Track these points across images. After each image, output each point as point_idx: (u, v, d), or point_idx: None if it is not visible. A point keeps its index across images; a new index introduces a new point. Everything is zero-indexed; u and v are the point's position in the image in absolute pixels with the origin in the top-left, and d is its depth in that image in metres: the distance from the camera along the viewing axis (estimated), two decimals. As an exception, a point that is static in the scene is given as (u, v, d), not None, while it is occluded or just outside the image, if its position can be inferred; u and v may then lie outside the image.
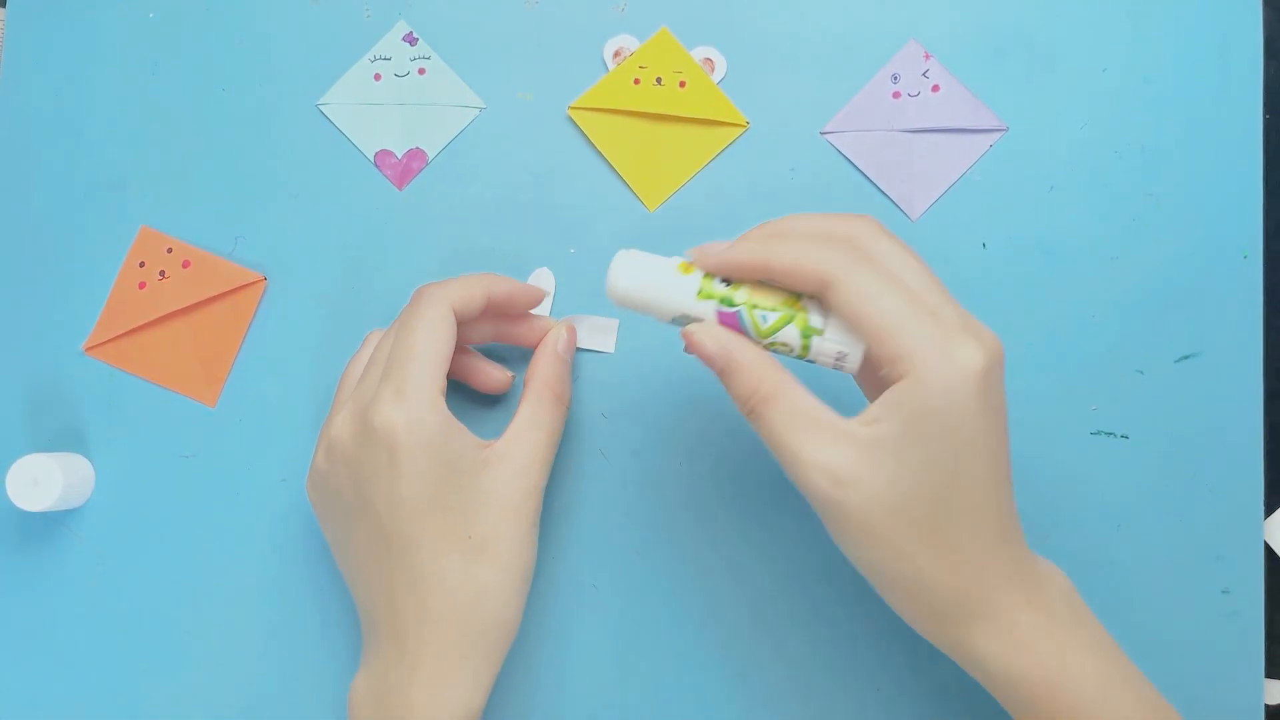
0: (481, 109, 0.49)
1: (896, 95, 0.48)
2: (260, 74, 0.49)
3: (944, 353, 0.33)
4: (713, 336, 0.36)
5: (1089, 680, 0.36)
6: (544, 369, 0.43)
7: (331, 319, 0.48)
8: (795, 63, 0.49)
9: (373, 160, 0.49)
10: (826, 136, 0.48)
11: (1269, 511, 0.47)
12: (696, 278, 0.37)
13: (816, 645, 0.46)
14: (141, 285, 0.47)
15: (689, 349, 0.37)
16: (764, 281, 0.37)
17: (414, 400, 0.38)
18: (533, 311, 0.46)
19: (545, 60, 0.49)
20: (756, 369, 0.36)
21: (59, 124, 0.50)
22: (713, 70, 0.49)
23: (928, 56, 0.48)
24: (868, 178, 0.48)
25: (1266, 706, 0.46)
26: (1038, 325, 0.47)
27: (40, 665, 0.48)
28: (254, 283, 0.48)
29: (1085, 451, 0.47)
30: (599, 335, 0.47)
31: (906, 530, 0.34)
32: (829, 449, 0.34)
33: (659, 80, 0.48)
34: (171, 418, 0.48)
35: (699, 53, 0.49)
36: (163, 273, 0.47)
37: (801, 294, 0.37)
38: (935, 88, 0.48)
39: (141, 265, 0.47)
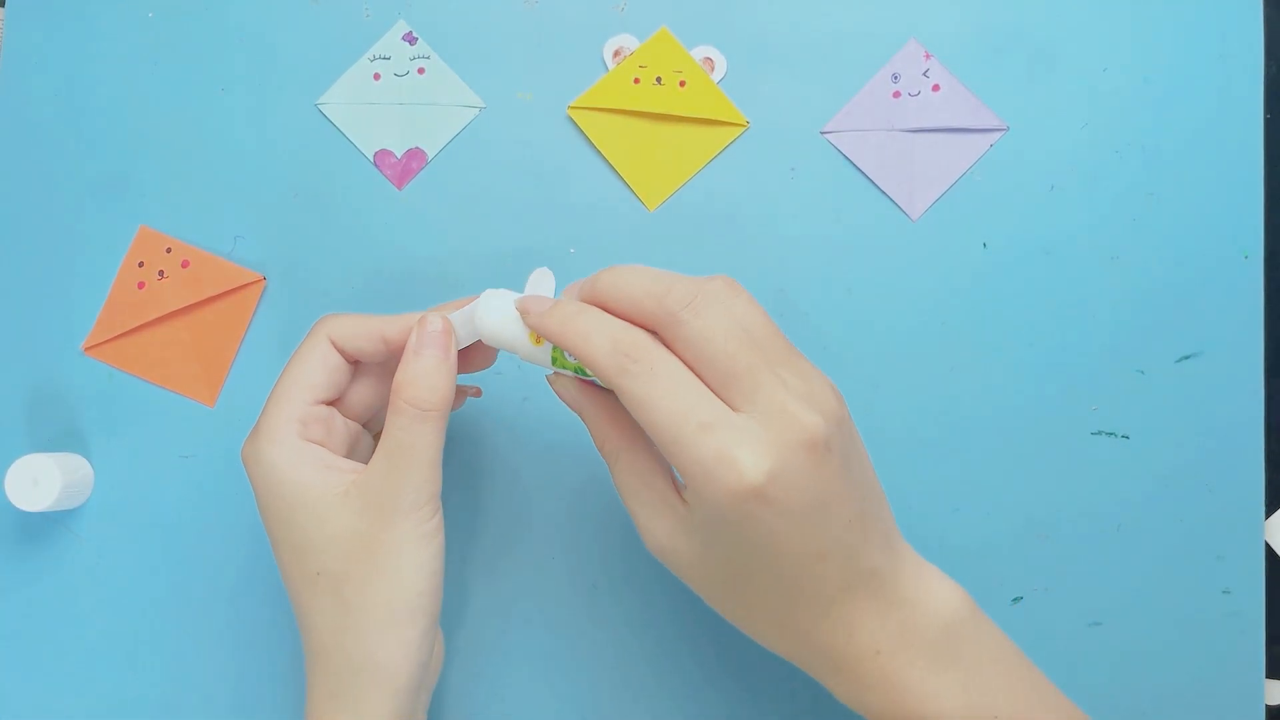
0: (481, 109, 0.49)
1: (896, 95, 0.48)
2: (260, 74, 0.49)
3: (713, 472, 0.32)
4: (568, 392, 0.38)
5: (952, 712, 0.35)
6: (397, 372, 0.38)
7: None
8: (795, 63, 0.49)
9: (372, 160, 0.49)
10: (826, 136, 0.48)
11: (1269, 511, 0.47)
12: (548, 346, 0.37)
13: (816, 645, 0.46)
14: (141, 285, 0.47)
15: (556, 389, 0.39)
16: None
17: (264, 437, 0.38)
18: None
19: (545, 60, 0.49)
20: (603, 427, 0.37)
21: (59, 124, 0.50)
22: (713, 70, 0.49)
23: (928, 56, 0.48)
24: (868, 178, 0.48)
25: (1267, 707, 0.46)
26: (1038, 325, 0.47)
27: (40, 665, 0.48)
28: (253, 283, 0.48)
29: (1085, 451, 0.47)
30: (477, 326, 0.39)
31: (722, 599, 0.37)
32: (656, 518, 0.36)
33: (659, 80, 0.48)
34: (171, 418, 0.48)
35: (699, 52, 0.49)
36: (162, 273, 0.47)
37: None
38: (935, 87, 0.48)
39: (141, 265, 0.47)
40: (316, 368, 0.39)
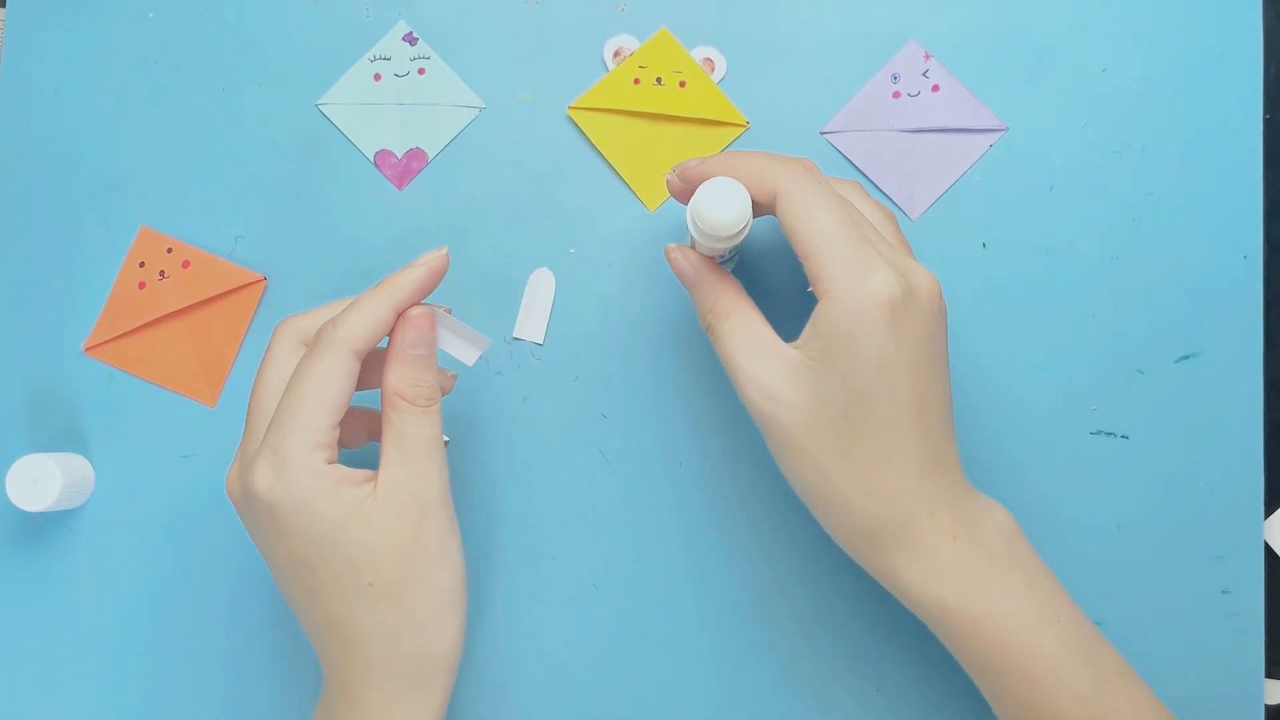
0: (481, 109, 0.49)
1: (896, 95, 0.48)
2: (260, 74, 0.49)
3: (856, 278, 0.36)
4: (687, 257, 0.41)
5: (1018, 617, 0.37)
6: (389, 375, 0.38)
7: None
8: (795, 63, 0.49)
9: (373, 160, 0.49)
10: (826, 136, 0.48)
11: (1269, 511, 0.47)
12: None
13: (817, 644, 0.46)
14: (141, 285, 0.47)
15: (670, 263, 0.42)
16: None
17: (289, 464, 0.36)
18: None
19: (545, 60, 0.49)
20: (718, 288, 0.40)
21: (59, 124, 0.50)
22: (713, 70, 0.49)
23: (928, 56, 0.48)
24: (868, 178, 0.48)
25: (1266, 707, 0.46)
26: (1038, 325, 0.47)
27: (40, 665, 0.48)
28: (254, 283, 0.48)
29: (1085, 451, 0.47)
30: (462, 345, 0.40)
31: (823, 447, 0.37)
32: (766, 366, 0.38)
33: (659, 80, 0.48)
34: (171, 418, 0.48)
35: (699, 53, 0.49)
36: (163, 273, 0.47)
37: None
38: (935, 87, 0.48)
39: (141, 265, 0.47)
40: (338, 387, 0.37)
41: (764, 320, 0.39)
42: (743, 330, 0.39)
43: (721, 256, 0.43)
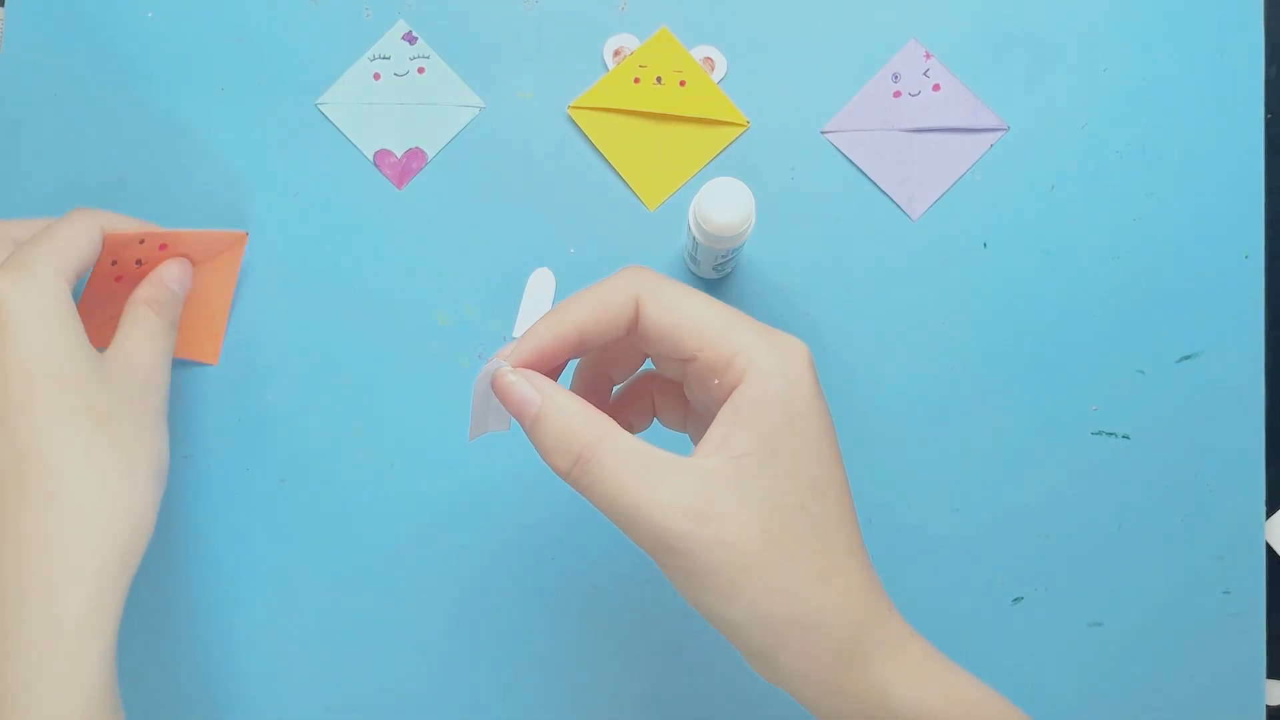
0: (481, 108, 0.49)
1: (897, 95, 0.48)
2: (260, 74, 0.49)
3: (773, 345, 0.31)
4: (528, 379, 0.32)
5: (991, 706, 0.32)
6: (145, 290, 0.44)
7: (331, 319, 0.48)
8: (795, 63, 0.49)
9: (372, 160, 0.49)
10: (826, 136, 0.48)
11: (1269, 511, 0.47)
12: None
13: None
14: (119, 279, 0.45)
15: (498, 394, 0.32)
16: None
17: (34, 275, 0.38)
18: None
19: (545, 60, 0.49)
20: (579, 413, 0.31)
21: (59, 124, 0.50)
22: (713, 70, 0.48)
23: (928, 56, 0.48)
24: (868, 177, 0.48)
25: (1267, 707, 0.46)
26: (1038, 325, 0.47)
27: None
28: (236, 240, 0.48)
29: (1085, 451, 0.47)
30: (495, 416, 0.34)
31: (785, 554, 0.30)
32: (678, 483, 0.30)
33: (659, 80, 0.48)
34: (171, 418, 0.48)
35: (699, 52, 0.49)
36: (139, 261, 0.45)
37: None
38: (936, 87, 0.48)
39: (114, 264, 0.44)
40: (90, 244, 0.40)
41: (638, 439, 0.31)
42: (633, 454, 0.30)
43: (721, 259, 0.43)
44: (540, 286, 0.48)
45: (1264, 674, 0.46)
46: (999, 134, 0.48)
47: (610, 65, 0.49)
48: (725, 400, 0.31)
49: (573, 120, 0.49)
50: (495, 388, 0.32)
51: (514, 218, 0.49)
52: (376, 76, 0.49)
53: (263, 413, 0.48)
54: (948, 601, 0.46)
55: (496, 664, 0.47)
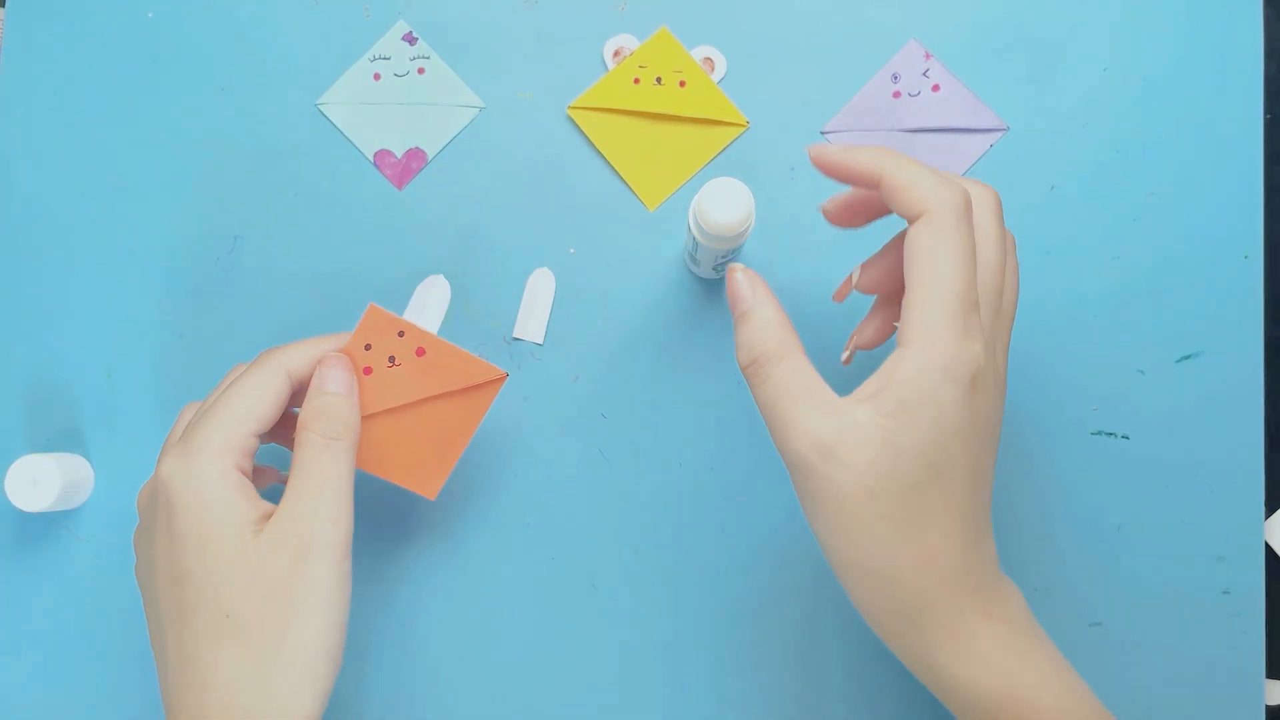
0: (481, 109, 0.49)
1: (897, 95, 0.48)
2: (260, 74, 0.49)
3: (957, 338, 0.33)
4: (753, 282, 0.37)
5: (1045, 699, 0.35)
6: (304, 407, 0.39)
7: (331, 319, 0.48)
8: (795, 63, 0.49)
9: (372, 160, 0.49)
10: (826, 136, 0.48)
11: (1269, 511, 0.47)
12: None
13: (817, 644, 0.46)
14: (368, 371, 0.41)
15: (730, 283, 0.37)
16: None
17: (197, 455, 0.36)
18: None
19: (545, 60, 0.49)
20: (774, 324, 0.36)
21: (59, 124, 0.50)
22: (713, 70, 0.49)
23: (928, 56, 0.48)
24: (868, 178, 0.48)
25: (1267, 707, 0.46)
26: (1038, 325, 0.47)
27: (40, 665, 0.47)
28: (495, 380, 0.42)
29: (1085, 451, 0.47)
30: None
31: (884, 516, 0.34)
32: (826, 420, 0.34)
33: (659, 80, 0.48)
34: (171, 418, 0.48)
35: (699, 52, 0.49)
36: (393, 359, 0.41)
37: None
38: (935, 87, 0.48)
39: (368, 348, 0.41)
40: (270, 399, 0.38)
41: (813, 369, 0.35)
42: (799, 377, 0.35)
43: (721, 259, 0.43)
44: (540, 286, 0.48)
45: (1264, 674, 0.46)
46: (999, 134, 0.48)
47: (610, 65, 0.49)
48: (895, 352, 0.34)
49: (573, 120, 0.49)
50: (728, 276, 0.37)
51: (514, 218, 0.49)
52: (377, 77, 0.49)
53: (263, 413, 0.48)
54: (948, 601, 0.46)
55: (496, 664, 0.47)
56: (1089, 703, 0.36)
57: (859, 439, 0.33)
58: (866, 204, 0.39)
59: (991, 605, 0.35)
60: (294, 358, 0.39)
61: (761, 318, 0.36)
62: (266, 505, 0.38)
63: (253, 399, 0.38)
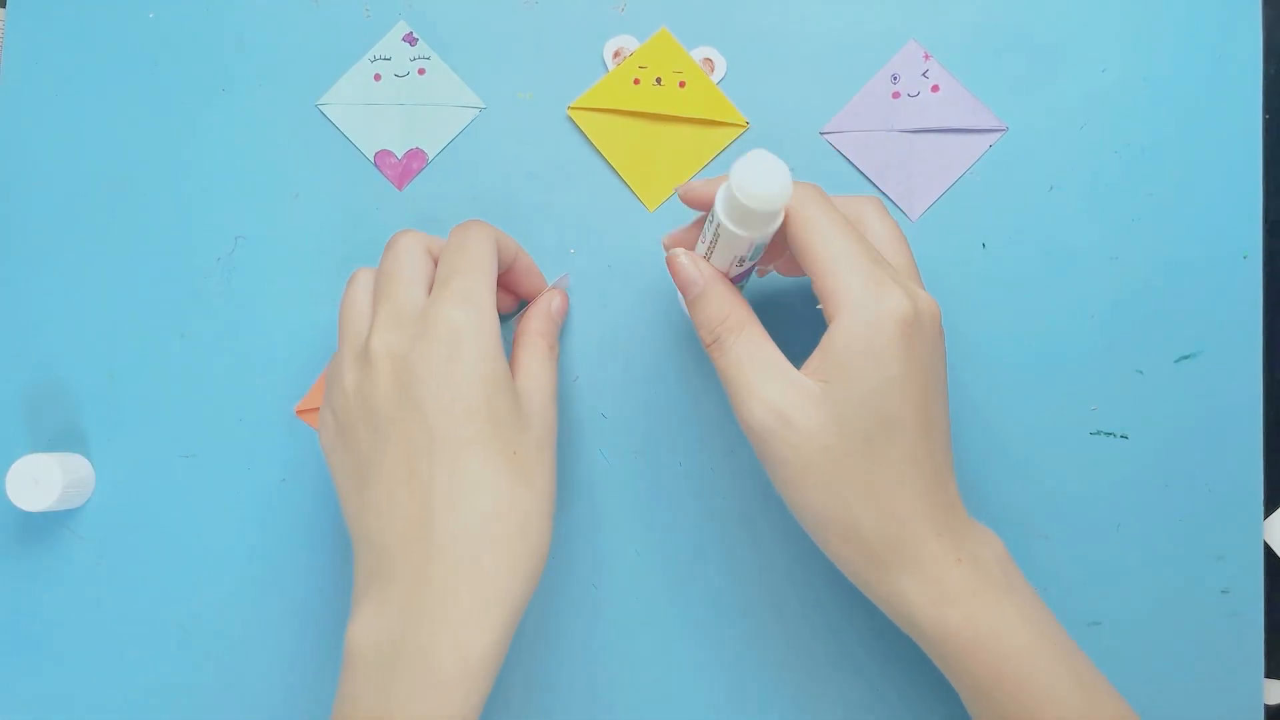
0: (481, 109, 0.49)
1: (896, 95, 0.48)
2: (260, 74, 0.49)
3: (872, 294, 0.35)
4: (696, 263, 0.39)
5: (1017, 641, 0.37)
6: (538, 323, 0.43)
7: (331, 319, 0.48)
8: (795, 63, 0.49)
9: (372, 160, 0.49)
10: (826, 136, 0.48)
11: (1269, 511, 0.47)
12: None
13: (817, 643, 0.46)
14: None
15: (670, 269, 0.40)
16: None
17: (479, 303, 0.38)
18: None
19: (545, 60, 0.49)
20: (728, 301, 0.39)
21: (59, 124, 0.50)
22: (713, 70, 0.49)
23: (928, 56, 0.48)
24: (868, 178, 0.48)
25: (1266, 707, 0.46)
26: (1038, 325, 0.47)
27: (40, 665, 0.48)
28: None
29: (1085, 451, 0.47)
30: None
31: (839, 472, 0.36)
32: (780, 387, 0.37)
33: (659, 80, 0.48)
34: (171, 418, 0.48)
35: (699, 53, 0.49)
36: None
37: None
38: (935, 88, 0.48)
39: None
40: (495, 260, 0.40)
41: (769, 339, 0.38)
42: (755, 348, 0.38)
43: (743, 258, 0.41)
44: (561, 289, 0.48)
45: (1262, 673, 0.46)
46: (998, 134, 0.48)
47: (610, 66, 0.49)
48: (828, 326, 0.37)
49: (573, 121, 0.49)
50: (669, 263, 0.40)
51: (514, 218, 0.49)
52: (377, 77, 0.49)
53: (263, 411, 0.48)
54: (947, 601, 0.46)
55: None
56: (1063, 647, 0.38)
57: (809, 402, 0.36)
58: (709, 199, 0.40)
59: (961, 552, 0.37)
60: (498, 233, 0.42)
61: (717, 295, 0.39)
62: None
63: (492, 254, 0.40)
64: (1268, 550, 0.47)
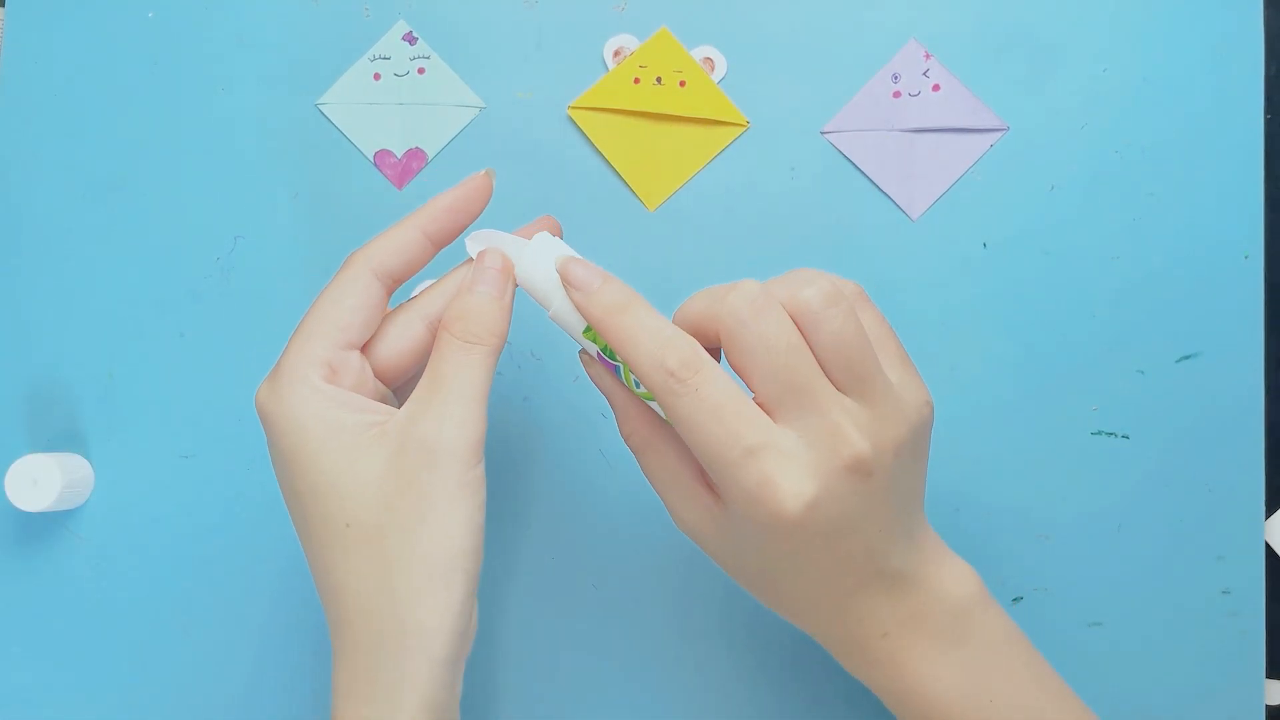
0: (481, 109, 0.49)
1: (896, 95, 0.48)
2: (260, 74, 0.49)
3: (755, 498, 0.32)
4: (599, 376, 0.38)
5: (944, 699, 0.36)
6: (449, 309, 0.36)
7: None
8: (795, 63, 0.49)
9: (372, 160, 0.49)
10: (826, 136, 0.48)
11: (1269, 511, 0.47)
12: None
13: (817, 643, 0.46)
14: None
15: (589, 375, 0.38)
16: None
17: (285, 378, 0.34)
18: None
19: (545, 60, 0.49)
20: (631, 419, 0.37)
21: (59, 124, 0.50)
22: (713, 70, 0.49)
23: (928, 56, 0.48)
24: (868, 178, 0.48)
25: (1267, 707, 0.46)
26: (1038, 325, 0.47)
27: (40, 665, 0.48)
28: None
29: (1085, 451, 0.47)
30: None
31: (755, 586, 0.37)
32: (688, 507, 0.36)
33: (659, 80, 0.48)
34: (171, 418, 0.48)
35: (699, 52, 0.49)
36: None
37: None
38: (935, 87, 0.48)
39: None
40: (351, 305, 0.35)
41: (685, 453, 0.36)
42: (662, 469, 0.37)
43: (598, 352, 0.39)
44: (544, 248, 0.46)
45: (1263, 673, 0.46)
46: (999, 134, 0.48)
47: (610, 65, 0.49)
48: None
49: (573, 120, 0.49)
50: (584, 366, 0.38)
51: (514, 218, 0.48)
52: (377, 77, 0.49)
53: (263, 413, 0.48)
54: (947, 601, 0.46)
55: (495, 663, 0.47)
56: (1068, 705, 0.37)
57: (717, 534, 0.36)
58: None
59: (918, 626, 0.36)
60: (374, 253, 0.36)
61: (619, 409, 0.37)
62: (381, 407, 0.35)
63: (330, 307, 0.35)
64: (1269, 550, 0.47)
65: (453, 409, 0.34)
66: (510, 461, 0.48)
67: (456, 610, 0.34)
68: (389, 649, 0.33)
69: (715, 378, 0.33)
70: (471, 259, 0.37)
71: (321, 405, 0.34)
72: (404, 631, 0.33)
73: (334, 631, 0.35)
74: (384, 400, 0.38)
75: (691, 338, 0.34)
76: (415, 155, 0.49)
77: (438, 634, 0.33)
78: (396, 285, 0.37)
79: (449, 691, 0.35)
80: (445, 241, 0.38)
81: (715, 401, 0.33)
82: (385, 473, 0.33)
